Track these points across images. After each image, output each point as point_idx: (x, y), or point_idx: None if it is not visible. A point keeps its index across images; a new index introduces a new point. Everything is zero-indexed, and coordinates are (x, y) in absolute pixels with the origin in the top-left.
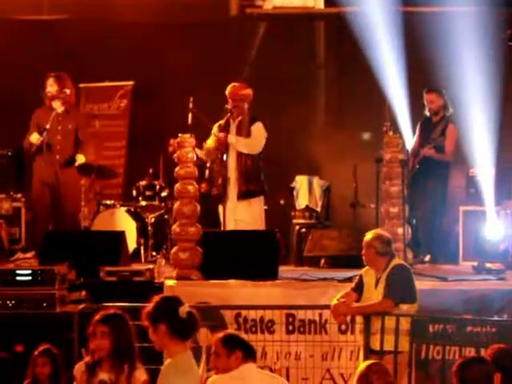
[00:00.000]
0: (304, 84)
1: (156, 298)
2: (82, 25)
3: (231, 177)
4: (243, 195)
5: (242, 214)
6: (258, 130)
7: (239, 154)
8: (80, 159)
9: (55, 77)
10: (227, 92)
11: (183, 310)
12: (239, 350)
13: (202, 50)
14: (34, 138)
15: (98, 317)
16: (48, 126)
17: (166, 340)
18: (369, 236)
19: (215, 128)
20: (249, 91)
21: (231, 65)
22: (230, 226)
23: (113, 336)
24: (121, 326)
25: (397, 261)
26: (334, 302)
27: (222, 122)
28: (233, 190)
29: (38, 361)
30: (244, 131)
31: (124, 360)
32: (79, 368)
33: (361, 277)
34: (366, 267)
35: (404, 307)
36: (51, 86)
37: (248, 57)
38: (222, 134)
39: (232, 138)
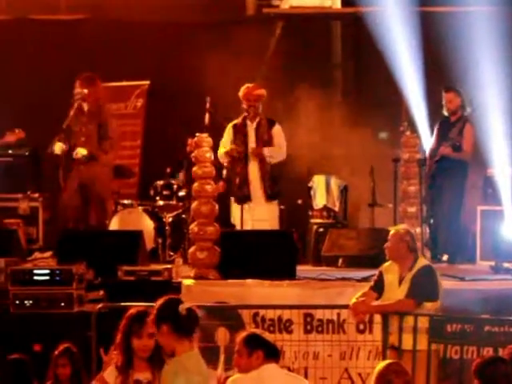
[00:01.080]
0: (321, 83)
1: (158, 301)
2: (98, 25)
3: (253, 178)
4: (271, 196)
5: (262, 215)
6: (280, 135)
7: (261, 158)
8: (77, 153)
9: (81, 79)
10: (241, 93)
11: (183, 307)
12: (261, 349)
13: (219, 50)
14: (58, 147)
15: (144, 316)
16: (74, 128)
17: (171, 340)
18: (400, 230)
19: (230, 128)
20: (263, 91)
21: (247, 64)
22: (247, 226)
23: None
24: None
25: (423, 261)
26: (353, 300)
27: (236, 121)
28: (257, 192)
29: (58, 362)
30: (265, 134)
31: (161, 359)
32: (111, 373)
33: (381, 274)
34: (387, 264)
35: (428, 305)
36: (77, 89)
37: (264, 56)
38: (256, 149)
39: (266, 150)
